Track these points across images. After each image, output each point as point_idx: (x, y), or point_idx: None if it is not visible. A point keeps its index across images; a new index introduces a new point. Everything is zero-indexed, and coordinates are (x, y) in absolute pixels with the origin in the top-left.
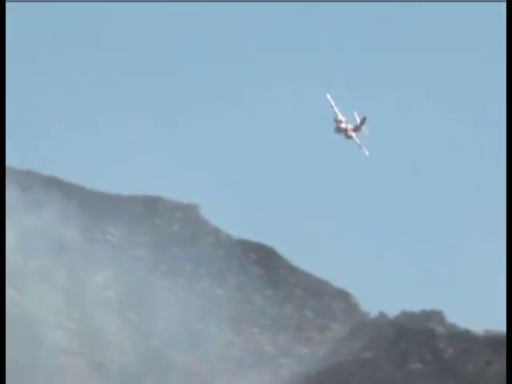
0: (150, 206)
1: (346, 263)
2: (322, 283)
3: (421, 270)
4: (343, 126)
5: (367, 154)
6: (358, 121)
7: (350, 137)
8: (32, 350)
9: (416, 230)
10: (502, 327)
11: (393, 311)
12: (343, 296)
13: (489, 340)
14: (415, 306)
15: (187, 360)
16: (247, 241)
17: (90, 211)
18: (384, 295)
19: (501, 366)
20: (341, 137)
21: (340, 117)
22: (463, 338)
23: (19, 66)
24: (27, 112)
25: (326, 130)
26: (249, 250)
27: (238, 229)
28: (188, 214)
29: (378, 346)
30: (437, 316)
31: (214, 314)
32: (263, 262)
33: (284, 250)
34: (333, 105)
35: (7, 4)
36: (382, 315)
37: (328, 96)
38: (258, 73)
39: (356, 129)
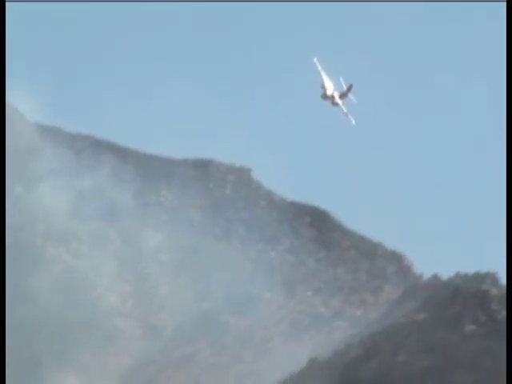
0: (203, 169)
1: (400, 225)
2: (376, 245)
3: (474, 231)
4: (329, 92)
5: (353, 122)
6: (345, 88)
7: (336, 104)
8: (87, 313)
9: (471, 195)
10: None
11: (446, 273)
12: (396, 258)
13: None
14: (469, 267)
15: (241, 323)
16: (300, 203)
17: (143, 174)
18: (438, 257)
19: None
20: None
21: (326, 83)
22: None
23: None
24: (83, 77)
25: None
26: (302, 213)
27: (290, 191)
28: (240, 177)
29: (431, 308)
30: (490, 278)
31: (267, 277)
32: (316, 225)
33: (337, 212)
34: (320, 69)
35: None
36: (435, 277)
37: (315, 60)
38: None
39: (342, 96)
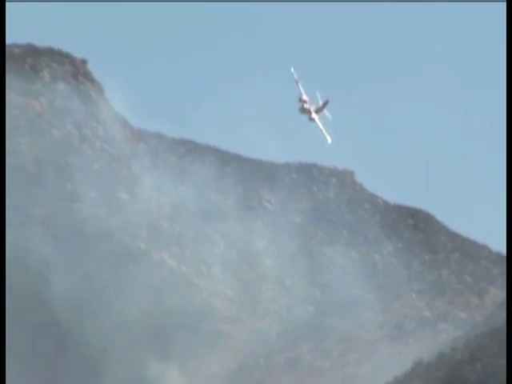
0: (306, 172)
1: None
2: (480, 247)
3: None
4: (306, 106)
5: (329, 141)
6: (320, 102)
7: (312, 119)
8: (191, 317)
9: None
10: None
11: None
12: (502, 260)
13: None
14: None
15: (345, 326)
16: (404, 206)
17: (246, 179)
18: None
19: None
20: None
21: (304, 96)
22: None
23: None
24: (180, 83)
25: None
26: (405, 216)
27: (393, 194)
28: (343, 180)
29: None
30: None
31: (371, 279)
32: (420, 227)
33: (441, 214)
34: (297, 80)
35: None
36: None
37: (292, 70)
38: None
39: (318, 111)
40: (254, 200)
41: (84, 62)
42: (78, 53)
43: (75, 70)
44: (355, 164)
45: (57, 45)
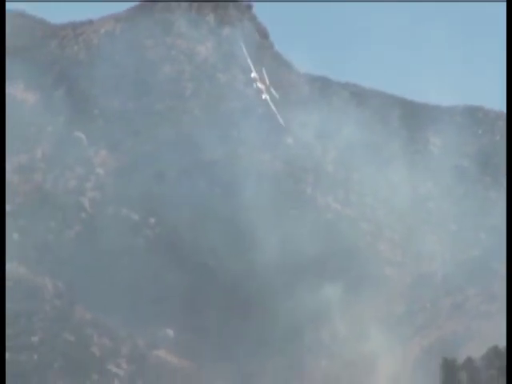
0: (471, 116)
1: None
2: None
3: None
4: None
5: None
6: (267, 81)
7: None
8: (356, 261)
9: None
10: None
11: None
12: None
13: None
14: None
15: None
16: None
17: (411, 122)
18: None
19: None
20: None
21: (254, 73)
22: None
23: None
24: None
25: None
26: None
27: None
28: None
29: None
30: None
31: None
32: None
33: None
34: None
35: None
36: None
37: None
38: None
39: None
40: (419, 144)
41: (249, 6)
42: None
43: (240, 15)
44: None
45: None
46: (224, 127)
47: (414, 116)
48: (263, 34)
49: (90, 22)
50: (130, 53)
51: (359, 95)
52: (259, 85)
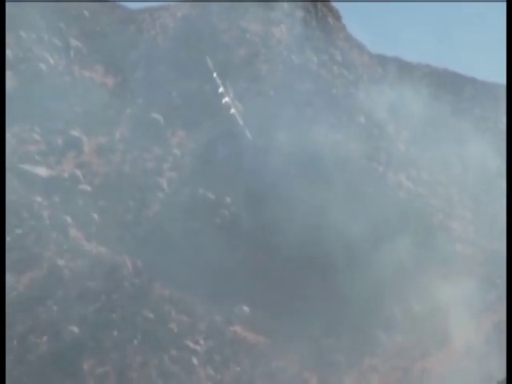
0: None
1: None
2: None
3: None
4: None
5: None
6: (231, 93)
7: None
8: (429, 239)
9: None
10: None
11: None
12: None
13: None
14: None
15: None
16: None
17: (482, 102)
18: None
19: None
20: None
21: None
22: None
23: None
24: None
25: None
26: None
27: None
28: None
29: None
30: None
31: None
32: None
33: None
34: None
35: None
36: None
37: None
38: None
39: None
40: (490, 122)
41: None
42: None
43: None
44: None
45: None
46: (298, 108)
47: (484, 95)
48: (336, 17)
49: (167, 7)
50: (205, 36)
51: (430, 75)
52: None
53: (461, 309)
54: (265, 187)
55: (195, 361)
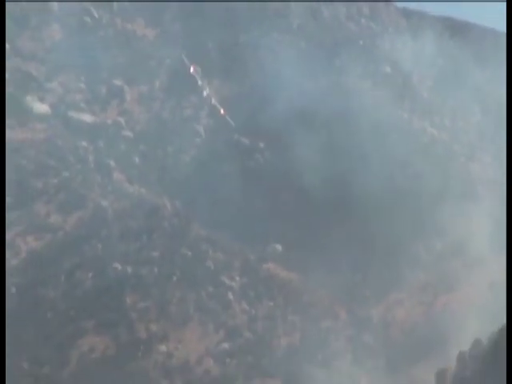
0: None
1: None
2: None
3: None
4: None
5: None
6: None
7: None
8: (451, 180)
9: None
10: None
11: None
12: None
13: None
14: None
15: None
16: None
17: (502, 52)
18: None
19: None
20: None
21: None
22: None
23: None
24: None
25: None
26: None
27: None
28: None
29: None
30: None
31: None
32: None
33: None
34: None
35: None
36: None
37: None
38: None
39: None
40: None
41: None
42: None
43: None
44: None
45: None
46: (328, 58)
47: (504, 46)
48: None
49: None
50: None
51: (452, 28)
52: None
53: (481, 246)
54: (295, 133)
55: (231, 296)
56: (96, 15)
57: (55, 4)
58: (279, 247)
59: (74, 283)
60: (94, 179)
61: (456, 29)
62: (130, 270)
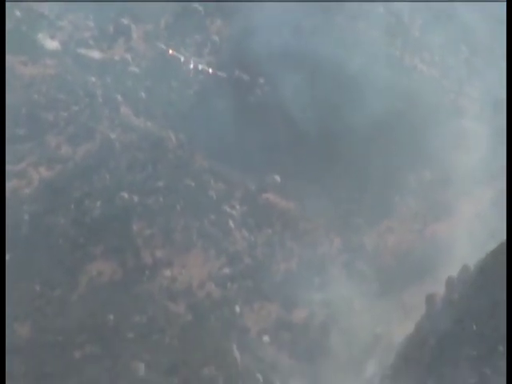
0: None
1: None
2: None
3: None
4: None
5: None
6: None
7: None
8: (441, 115)
9: None
10: None
11: None
12: None
13: None
14: None
15: None
16: None
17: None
18: None
19: None
20: None
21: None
22: None
23: None
24: None
25: None
26: None
27: None
28: None
29: None
30: None
31: None
32: None
33: None
34: None
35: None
36: None
37: None
38: None
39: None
40: (496, 10)
41: None
42: None
43: None
44: None
45: None
46: (346, 28)
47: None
48: None
49: None
50: None
51: None
52: None
53: (469, 178)
54: (293, 67)
55: (231, 224)
56: None
57: None
58: (278, 178)
59: (83, 211)
60: (102, 113)
61: None
62: (136, 198)
